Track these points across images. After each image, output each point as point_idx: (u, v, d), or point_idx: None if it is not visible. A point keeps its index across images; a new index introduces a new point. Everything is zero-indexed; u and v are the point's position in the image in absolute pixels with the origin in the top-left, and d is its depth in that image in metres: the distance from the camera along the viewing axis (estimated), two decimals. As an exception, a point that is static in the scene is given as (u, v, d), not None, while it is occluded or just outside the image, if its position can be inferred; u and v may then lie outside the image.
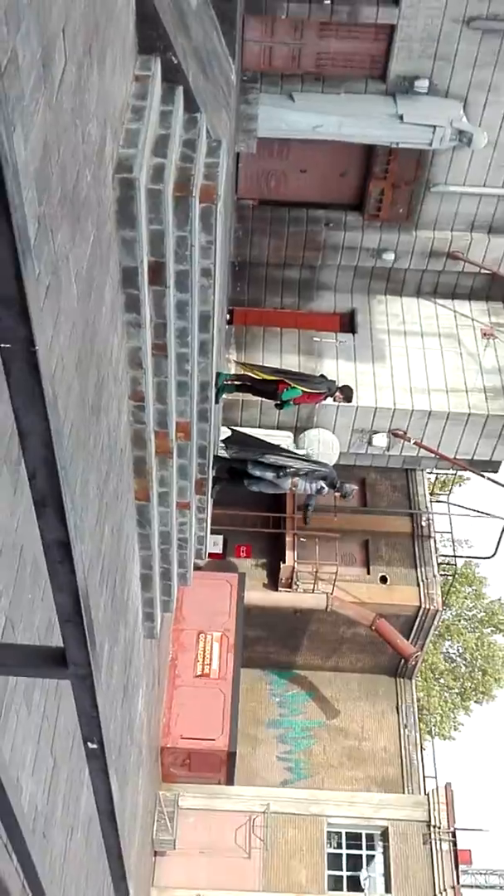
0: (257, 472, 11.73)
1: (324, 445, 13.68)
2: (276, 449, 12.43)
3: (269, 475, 11.76)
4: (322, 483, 11.82)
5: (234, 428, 12.58)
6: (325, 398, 11.50)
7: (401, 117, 11.90)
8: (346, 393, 11.63)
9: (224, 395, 11.59)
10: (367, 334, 14.36)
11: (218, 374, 10.21)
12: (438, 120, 11.94)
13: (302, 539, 15.98)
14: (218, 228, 6.77)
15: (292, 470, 11.74)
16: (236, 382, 11.75)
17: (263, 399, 12.06)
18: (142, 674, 9.84)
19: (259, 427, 13.83)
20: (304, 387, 11.34)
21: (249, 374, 11.64)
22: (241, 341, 14.02)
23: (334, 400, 11.59)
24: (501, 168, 12.91)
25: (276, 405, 11.62)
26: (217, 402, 10.38)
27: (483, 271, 14.16)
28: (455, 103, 12.00)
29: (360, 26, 11.57)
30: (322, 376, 12.01)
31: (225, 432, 12.24)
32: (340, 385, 11.77)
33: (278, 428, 13.79)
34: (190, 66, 6.42)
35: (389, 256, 14.10)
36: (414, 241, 13.95)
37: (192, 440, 8.27)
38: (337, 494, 12.23)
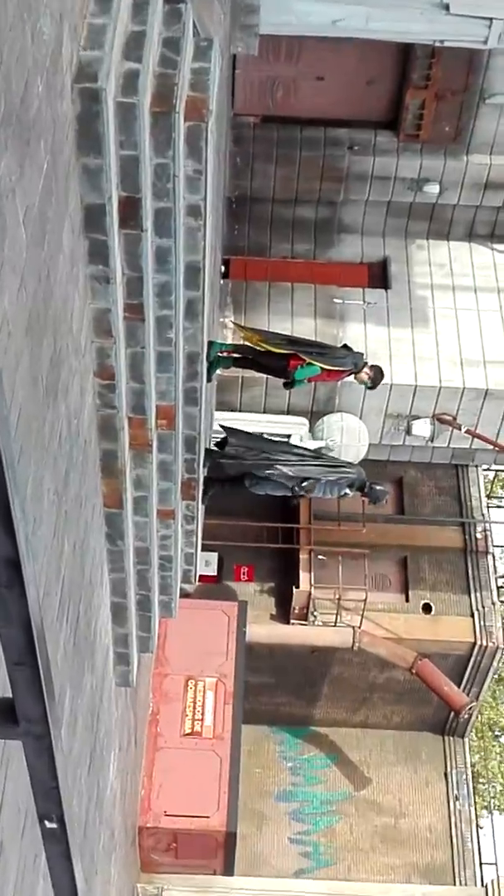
0: (265, 472, 11.63)
1: (348, 435, 13.70)
2: (284, 447, 12.35)
3: (279, 477, 11.65)
4: (346, 489, 11.76)
5: (229, 426, 12.58)
6: (348, 375, 11.30)
7: (447, 7, 11.87)
8: (376, 375, 11.36)
9: (218, 371, 11.57)
10: (405, 291, 14.36)
11: (210, 344, 10.00)
12: (495, 10, 11.92)
13: (321, 557, 16.00)
14: (209, 153, 6.77)
15: (308, 476, 11.59)
16: (234, 355, 11.67)
17: (269, 376, 12.04)
18: (114, 732, 9.87)
19: (264, 412, 13.86)
20: (322, 362, 11.08)
21: (251, 344, 11.44)
22: (241, 300, 14.04)
23: (358, 381, 11.36)
24: None
25: (285, 384, 11.42)
26: (209, 379, 10.36)
27: None
28: (517, -12, 11.99)
29: None
30: (346, 347, 11.84)
31: (217, 430, 12.30)
32: (370, 363, 11.52)
33: (289, 413, 13.81)
34: None
35: (433, 188, 14.11)
36: (465, 168, 13.95)
37: (176, 429, 8.28)
38: (366, 499, 12.23)
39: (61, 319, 5.53)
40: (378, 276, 14.67)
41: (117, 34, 5.59)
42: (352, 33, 12.15)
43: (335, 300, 13.53)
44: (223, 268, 13.82)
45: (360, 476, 11.83)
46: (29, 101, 4.41)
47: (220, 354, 11.28)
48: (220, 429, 12.37)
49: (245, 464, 11.66)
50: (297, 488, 11.73)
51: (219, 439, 12.16)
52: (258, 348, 11.28)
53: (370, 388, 11.55)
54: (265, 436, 12.92)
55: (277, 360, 11.21)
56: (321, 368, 11.08)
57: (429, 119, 13.55)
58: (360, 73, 13.48)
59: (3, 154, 4.05)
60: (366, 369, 11.25)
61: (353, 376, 11.40)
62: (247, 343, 11.61)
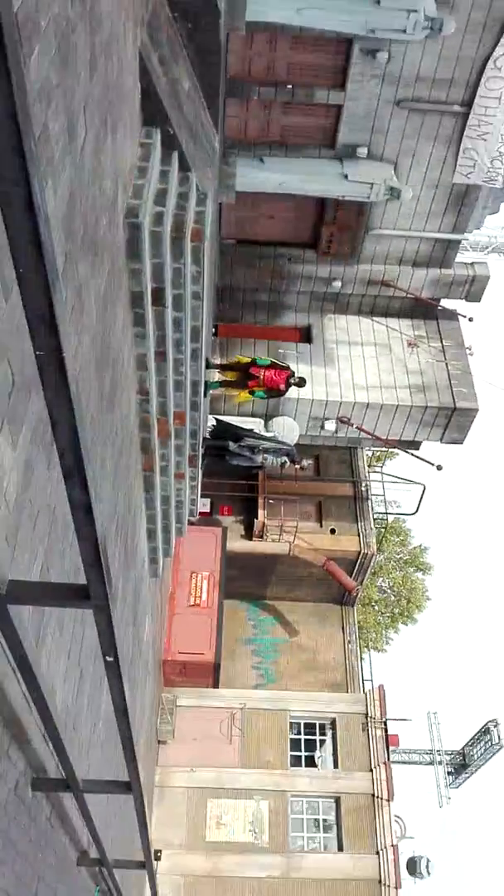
0: (237, 451, 11.74)
1: (287, 429, 13.69)
2: (250, 432, 12.47)
3: (246, 452, 11.77)
4: (285, 458, 11.85)
5: (219, 417, 12.55)
6: (289, 376, 11.53)
7: (346, 176, 11.85)
8: (300, 380, 11.80)
9: (211, 391, 11.60)
10: (321, 344, 14.33)
11: (206, 383, 10.57)
12: (375, 178, 11.91)
13: (270, 501, 16.01)
14: (205, 261, 6.72)
15: (263, 448, 11.75)
16: (219, 378, 11.91)
17: (240, 391, 12.03)
18: (148, 605, 9.86)
19: (238, 415, 13.80)
20: (271, 366, 11.45)
21: (230, 368, 11.80)
22: (224, 349, 13.95)
23: (293, 383, 11.62)
24: (422, 216, 12.90)
25: (249, 391, 11.70)
26: (206, 395, 10.40)
27: (408, 295, 14.18)
28: (388, 166, 11.98)
29: (315, 106, 11.47)
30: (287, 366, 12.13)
31: (211, 421, 12.23)
32: (298, 376, 11.83)
33: (252, 416, 13.75)
34: (183, 135, 6.34)
35: (337, 284, 14.06)
36: (356, 272, 13.91)
37: (185, 425, 8.25)
38: (297, 466, 12.25)
39: (116, 360, 5.48)
40: (305, 335, 14.61)
41: (151, 190, 5.53)
42: (291, 191, 12.08)
43: (279, 351, 13.51)
44: (214, 329, 13.71)
45: (293, 451, 11.86)
46: (97, 229, 4.35)
47: (212, 382, 11.35)
48: (214, 421, 12.36)
49: (227, 435, 11.77)
50: (255, 457, 11.74)
51: (210, 429, 12.13)
52: (235, 365, 11.55)
53: (300, 386, 11.84)
54: (238, 425, 12.97)
55: (243, 381, 11.47)
56: (271, 363, 11.58)
57: (335, 243, 13.50)
58: (295, 214, 13.40)
59: (81, 261, 4.00)
60: (295, 379, 11.73)
61: (289, 386, 11.62)
62: (225, 374, 11.79)
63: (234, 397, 12.12)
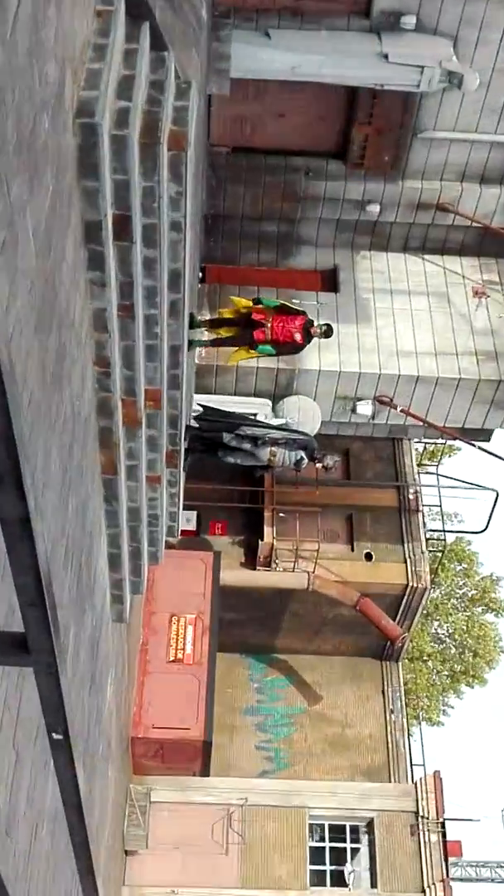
0: (233, 443, 11.77)
1: (304, 414, 13.70)
2: (251, 419, 12.51)
3: (246, 445, 11.80)
4: (302, 453, 11.89)
5: (205, 404, 12.60)
6: (304, 322, 11.59)
7: (385, 56, 11.80)
8: (328, 330, 11.81)
9: (198, 357, 11.66)
10: (351, 293, 14.33)
11: (191, 316, 10.62)
12: (426, 60, 11.86)
13: (281, 514, 16.03)
14: (188, 178, 6.73)
15: (270, 438, 11.79)
16: (209, 338, 11.98)
17: (238, 347, 12.02)
18: (110, 659, 9.89)
19: (235, 394, 13.82)
20: (280, 310, 11.68)
21: (224, 323, 11.94)
22: (215, 301, 13.96)
23: (314, 334, 11.69)
24: (494, 112, 12.87)
25: (250, 347, 11.74)
26: (189, 348, 10.50)
27: (474, 225, 14.16)
28: (444, 41, 11.91)
29: (342, -44, 11.46)
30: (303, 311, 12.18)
31: (196, 409, 12.26)
32: (323, 323, 11.95)
33: (255, 395, 13.78)
34: (156, -1, 6.34)
35: (374, 208, 14.06)
36: (400, 191, 13.90)
37: (162, 409, 8.26)
38: (318, 466, 12.28)
39: (65, 317, 5.49)
40: (329, 281, 14.62)
41: (111, 77, 5.53)
42: (307, 77, 12.06)
43: (293, 301, 13.51)
44: (200, 274, 13.71)
45: (313, 444, 11.94)
46: (37, 134, 4.35)
47: (201, 339, 11.39)
48: (199, 407, 12.37)
49: (218, 425, 11.81)
50: (260, 451, 11.78)
51: (196, 415, 12.16)
52: (229, 317, 11.82)
53: (326, 336, 11.88)
54: (234, 412, 12.98)
55: (245, 336, 11.61)
56: (279, 305, 11.79)
57: (371, 150, 13.48)
58: (314, 111, 13.39)
59: (15, 179, 4.00)
60: (314, 327, 11.73)
61: (308, 338, 11.74)
62: (222, 334, 11.85)
63: (230, 356, 12.12)
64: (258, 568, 16.13)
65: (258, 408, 13.66)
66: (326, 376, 13.64)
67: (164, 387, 8.10)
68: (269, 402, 13.79)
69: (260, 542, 15.99)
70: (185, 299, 7.77)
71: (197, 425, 11.78)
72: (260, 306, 11.75)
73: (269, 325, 11.60)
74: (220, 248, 14.48)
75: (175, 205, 6.84)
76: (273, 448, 11.86)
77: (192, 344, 10.85)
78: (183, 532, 13.88)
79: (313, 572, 15.63)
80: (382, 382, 13.72)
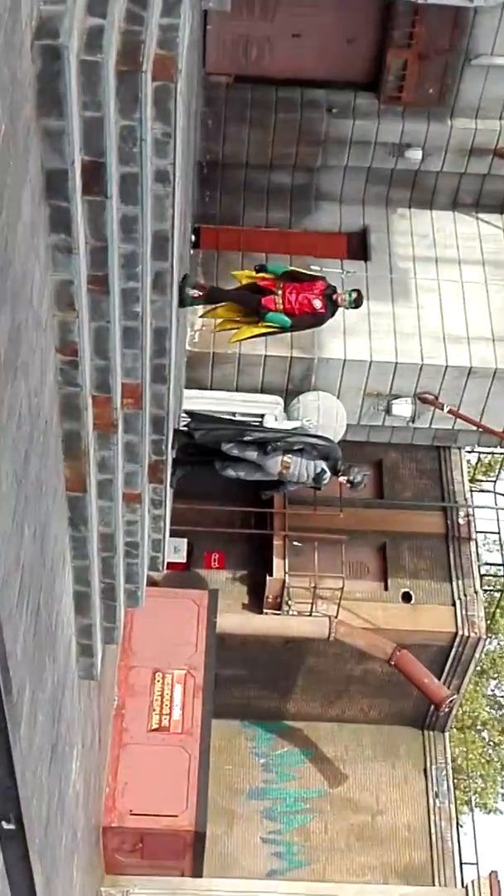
0: (235, 451, 11.77)
1: (325, 415, 13.69)
2: (255, 425, 12.57)
3: (251, 454, 11.79)
4: (323, 465, 11.87)
5: (194, 410, 12.62)
6: (324, 288, 11.59)
7: (430, -38, 11.86)
8: (359, 298, 11.82)
9: (190, 304, 11.67)
10: (385, 262, 14.33)
11: (184, 277, 10.69)
12: (482, -35, 11.91)
13: (296, 543, 16.02)
14: (178, 116, 6.74)
15: (283, 445, 11.76)
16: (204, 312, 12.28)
17: (240, 323, 12.02)
18: (76, 727, 9.87)
19: (237, 390, 13.83)
20: (290, 277, 11.75)
21: (242, 280, 12.07)
22: (212, 271, 13.98)
23: (340, 304, 11.75)
24: None
25: (257, 315, 11.72)
26: (182, 304, 10.58)
27: (543, 175, 14.20)
28: None
29: None
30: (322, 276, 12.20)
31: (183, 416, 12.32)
32: (352, 290, 11.92)
33: (262, 391, 13.79)
34: None
35: (415, 154, 14.08)
36: (449, 132, 13.92)
37: (143, 408, 8.26)
38: (343, 481, 12.27)
39: (20, 292, 5.49)
40: (357, 246, 14.62)
41: (80, -13, 5.54)
42: (330, -12, 12.10)
43: (312, 269, 13.51)
44: (193, 237, 13.73)
45: (336, 453, 11.91)
46: (-15, 59, 4.36)
47: (192, 297, 11.38)
48: (185, 415, 12.42)
49: (217, 434, 11.80)
50: (269, 461, 11.76)
51: (188, 419, 12.18)
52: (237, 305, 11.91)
53: (356, 305, 11.90)
54: (237, 418, 12.99)
55: (250, 299, 11.69)
56: (290, 270, 11.88)
57: (411, 80, 13.49)
58: (339, 30, 13.40)
59: (-43, 115, 4.01)
60: (339, 295, 11.71)
61: (329, 307, 11.71)
62: (221, 316, 11.89)
63: (232, 334, 12.10)
64: (266, 611, 16.12)
65: (266, 407, 13.67)
66: (354, 367, 13.65)
67: (147, 380, 8.10)
68: (281, 401, 13.79)
69: (268, 578, 15.99)
70: (173, 269, 7.78)
71: (187, 429, 11.79)
72: (265, 274, 11.74)
73: (279, 292, 11.59)
74: (218, 204, 14.52)
75: (161, 149, 6.84)
76: (286, 457, 11.83)
77: (183, 301, 10.79)
78: (170, 565, 13.90)
79: (336, 617, 15.61)
80: (425, 375, 13.71)
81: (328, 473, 11.93)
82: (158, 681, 14.75)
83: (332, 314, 11.90)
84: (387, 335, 13.73)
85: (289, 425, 13.19)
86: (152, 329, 7.90)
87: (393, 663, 15.62)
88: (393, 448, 16.61)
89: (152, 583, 11.76)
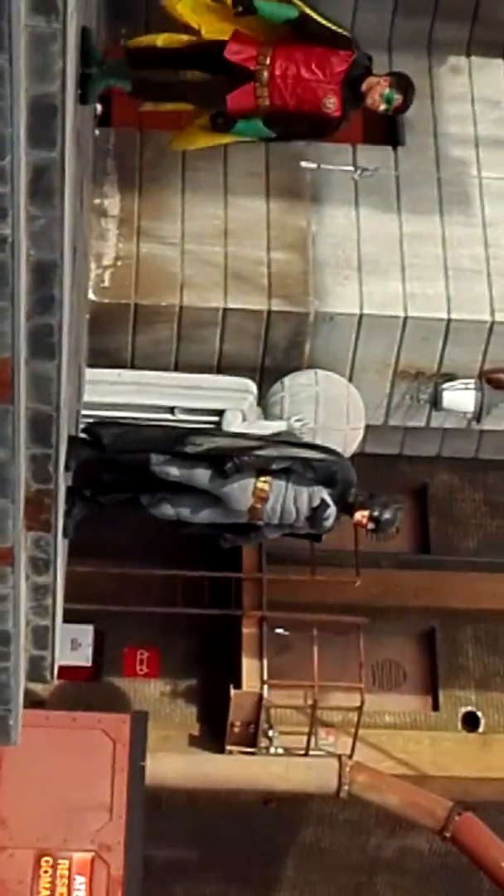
0: (172, 471, 11.75)
1: (328, 412, 13.75)
2: (207, 431, 12.54)
3: (201, 475, 11.79)
4: (324, 493, 11.91)
5: (100, 414, 12.65)
6: (349, 66, 11.25)
7: None
8: (404, 100, 11.52)
9: (105, 83, 11.44)
10: (428, 148, 14.45)
11: (85, 31, 10.14)
12: None
13: (280, 631, 16.04)
14: None
15: (254, 460, 11.75)
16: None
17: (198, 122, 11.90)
18: None
19: (175, 368, 13.86)
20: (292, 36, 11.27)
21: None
22: (132, 168, 14.01)
23: (371, 103, 11.46)
24: None
25: (217, 120, 11.44)
26: (86, 101, 10.44)
27: None
28: None
29: None
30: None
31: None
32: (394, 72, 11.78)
33: (220, 370, 13.82)
34: None
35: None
36: None
37: (16, 402, 8.28)
38: (361, 519, 12.30)
39: None
40: (380, 122, 14.68)
41: None
42: None
43: (303, 164, 13.55)
44: (99, 107, 13.75)
45: (348, 476, 11.92)
46: None
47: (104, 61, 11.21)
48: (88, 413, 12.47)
49: (139, 439, 11.81)
50: (232, 487, 11.75)
51: (93, 421, 12.19)
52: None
53: (401, 109, 11.71)
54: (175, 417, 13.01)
55: (209, 88, 11.49)
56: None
57: None
58: None
59: None
60: (381, 79, 11.39)
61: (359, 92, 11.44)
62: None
63: (176, 136, 11.84)
64: (229, 748, 16.12)
65: (228, 400, 13.69)
66: (376, 327, 13.81)
67: (22, 353, 8.12)
68: (253, 388, 13.83)
69: (233, 691, 15.96)
70: (65, 161, 7.79)
71: (91, 437, 11.80)
72: (246, 20, 11.23)
73: (264, 72, 11.32)
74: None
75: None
76: (261, 482, 11.84)
77: (89, 89, 10.60)
78: (65, 671, 13.86)
79: (351, 758, 15.65)
80: (498, 341, 13.79)
81: (333, 508, 11.96)
82: (46, 870, 14.74)
83: (347, 119, 11.73)
84: (431, 272, 13.82)
85: (267, 429, 13.22)
86: (30, 264, 7.91)
87: (449, 835, 15.66)
88: (444, 466, 16.68)
89: (35, 702, 11.66)
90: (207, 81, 11.39)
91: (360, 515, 12.07)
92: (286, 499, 11.78)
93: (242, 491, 11.78)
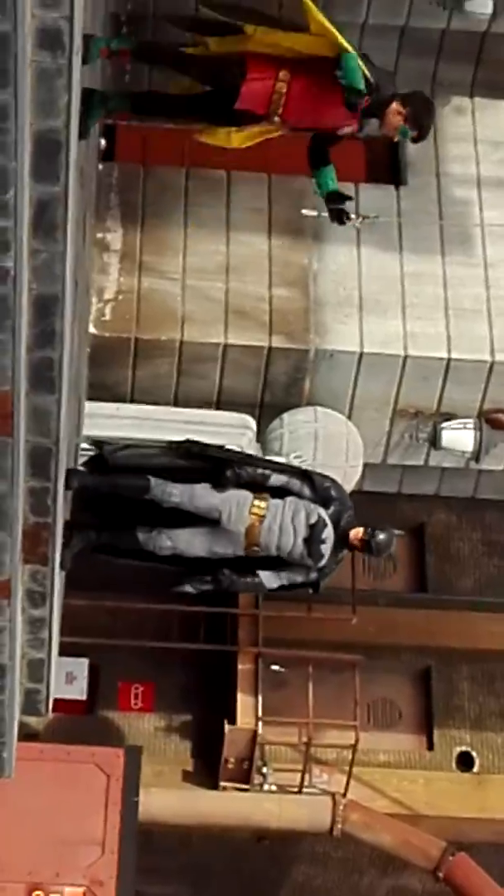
0: (174, 495, 11.73)
1: (327, 449, 13.77)
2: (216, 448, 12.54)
3: (201, 489, 11.76)
4: (321, 511, 11.87)
5: (103, 439, 12.64)
6: (355, 109, 11.10)
7: None
8: (421, 129, 11.57)
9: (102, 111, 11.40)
10: (430, 188, 14.45)
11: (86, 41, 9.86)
12: None
13: (276, 667, 16.02)
14: None
15: (252, 475, 11.75)
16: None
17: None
18: None
19: (176, 403, 13.87)
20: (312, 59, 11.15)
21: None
22: (135, 203, 14.04)
23: (389, 129, 11.47)
24: None
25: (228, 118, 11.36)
26: (85, 134, 10.18)
27: None
28: None
29: None
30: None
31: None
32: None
33: (219, 405, 13.82)
34: None
35: (482, 6, 14.23)
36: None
37: (14, 434, 8.29)
38: (355, 539, 12.28)
39: None
40: (383, 162, 14.71)
41: None
42: None
43: (304, 212, 13.59)
44: (103, 141, 13.79)
45: (345, 505, 11.92)
46: None
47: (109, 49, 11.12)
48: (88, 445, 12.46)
49: (139, 459, 11.80)
50: (230, 506, 11.73)
51: (94, 453, 12.20)
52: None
53: (413, 138, 11.69)
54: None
55: (221, 73, 11.33)
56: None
57: None
58: None
59: None
60: (396, 105, 11.38)
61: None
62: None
63: (202, 131, 11.75)
64: (223, 784, 16.09)
65: (227, 435, 13.70)
66: (377, 366, 13.83)
67: (22, 387, 8.13)
68: (252, 424, 13.83)
69: (227, 727, 15.95)
70: (67, 198, 7.83)
71: (87, 468, 11.80)
72: (258, 37, 11.18)
73: (282, 89, 11.18)
74: (148, 80, 14.48)
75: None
76: (259, 496, 11.81)
77: (90, 118, 10.54)
78: (60, 704, 13.85)
79: (345, 795, 15.62)
80: (498, 381, 13.80)
81: (330, 528, 11.94)
82: (39, 905, 14.72)
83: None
84: (432, 312, 13.84)
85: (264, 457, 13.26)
86: (31, 298, 7.93)
87: (443, 875, 15.62)
88: (443, 505, 16.67)
89: (29, 735, 11.63)
90: (220, 68, 11.20)
91: (355, 534, 12.10)
92: (283, 516, 11.77)
93: (240, 507, 11.78)
